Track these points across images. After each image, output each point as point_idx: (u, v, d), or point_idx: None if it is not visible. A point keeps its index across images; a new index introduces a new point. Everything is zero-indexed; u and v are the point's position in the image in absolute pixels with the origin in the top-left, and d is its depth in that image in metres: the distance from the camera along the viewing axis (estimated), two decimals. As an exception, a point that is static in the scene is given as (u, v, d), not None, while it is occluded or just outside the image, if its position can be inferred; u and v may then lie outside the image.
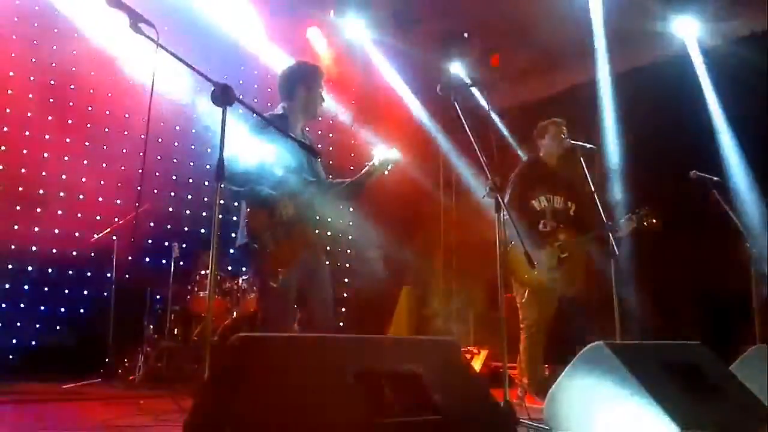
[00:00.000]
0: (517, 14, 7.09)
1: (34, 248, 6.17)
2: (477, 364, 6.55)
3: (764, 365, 3.34)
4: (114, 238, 6.04)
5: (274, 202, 3.44)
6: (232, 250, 6.72)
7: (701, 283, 6.33)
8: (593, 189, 4.41)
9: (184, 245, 6.35)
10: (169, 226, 7.02)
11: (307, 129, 4.02)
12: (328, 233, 7.57)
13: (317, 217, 3.79)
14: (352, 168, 4.01)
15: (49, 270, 6.32)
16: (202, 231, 7.11)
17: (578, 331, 4.34)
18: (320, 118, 4.05)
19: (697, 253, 6.11)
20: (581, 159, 4.52)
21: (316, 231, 3.80)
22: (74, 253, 6.31)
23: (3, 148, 6.09)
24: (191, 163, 7.33)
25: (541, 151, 4.94)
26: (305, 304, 3.60)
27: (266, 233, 3.43)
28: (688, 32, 6.94)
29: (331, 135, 8.38)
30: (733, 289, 6.05)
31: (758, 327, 5.07)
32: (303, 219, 3.59)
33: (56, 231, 6.23)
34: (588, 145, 4.69)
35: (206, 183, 7.18)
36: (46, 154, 6.28)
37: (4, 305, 6.03)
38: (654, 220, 4.55)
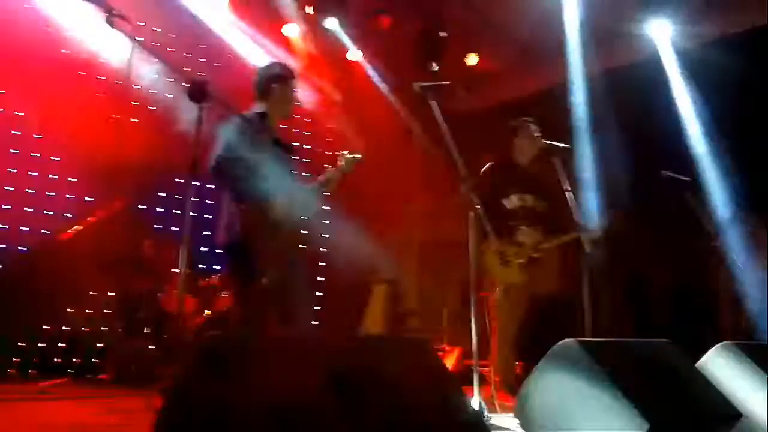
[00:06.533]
0: (492, 14, 7.13)
1: (2, 246, 6.05)
2: (450, 363, 6.57)
3: (730, 363, 3.39)
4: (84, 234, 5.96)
5: (271, 200, 3.49)
6: (203, 248, 6.69)
7: (672, 282, 6.43)
8: (567, 188, 4.43)
9: (155, 242, 6.29)
10: (140, 223, 6.93)
11: (285, 127, 4.04)
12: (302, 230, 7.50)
13: (303, 217, 3.81)
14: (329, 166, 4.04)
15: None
16: (174, 228, 7.04)
17: (550, 329, 4.37)
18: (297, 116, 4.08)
19: (667, 252, 6.20)
20: (555, 159, 4.54)
21: (301, 231, 3.82)
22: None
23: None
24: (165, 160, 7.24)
25: (513, 151, 4.94)
26: (285, 303, 3.62)
27: (260, 230, 3.46)
28: (661, 34, 7.00)
29: (306, 132, 8.35)
30: (702, 287, 6.15)
31: (727, 325, 5.17)
32: (290, 218, 3.62)
33: (28, 228, 6.12)
34: (562, 145, 4.70)
35: (179, 180, 7.09)
36: (17, 150, 6.17)
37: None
38: (623, 221, 4.62)
